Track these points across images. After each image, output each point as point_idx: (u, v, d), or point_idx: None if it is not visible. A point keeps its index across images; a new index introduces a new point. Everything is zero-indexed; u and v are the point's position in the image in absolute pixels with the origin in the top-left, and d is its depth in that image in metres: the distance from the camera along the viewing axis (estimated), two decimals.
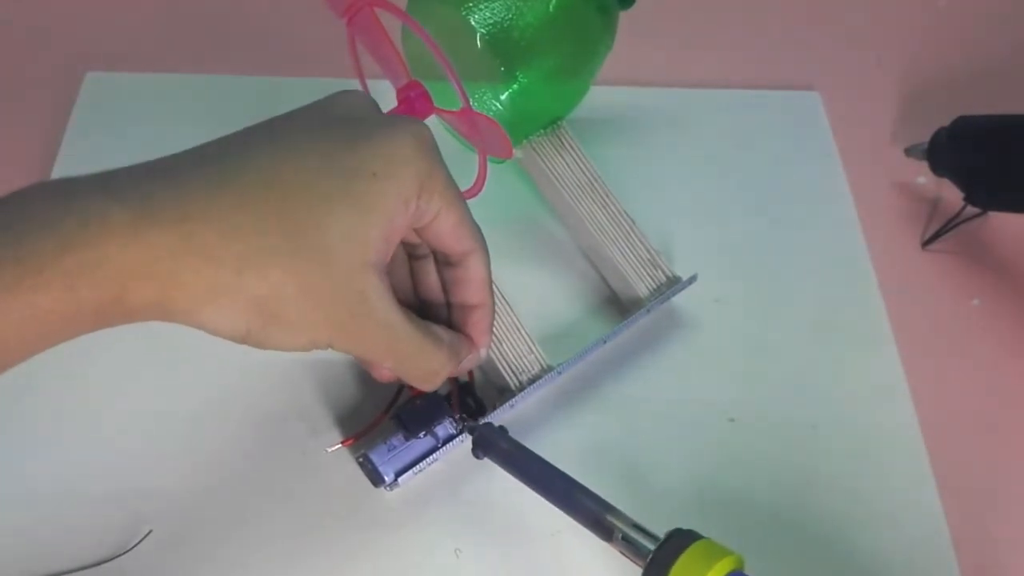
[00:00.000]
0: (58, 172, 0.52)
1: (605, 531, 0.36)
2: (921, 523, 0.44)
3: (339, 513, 0.42)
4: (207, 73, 0.57)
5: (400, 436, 0.42)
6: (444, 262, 0.38)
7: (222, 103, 0.56)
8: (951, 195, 0.54)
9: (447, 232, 0.36)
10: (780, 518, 0.43)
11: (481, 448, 0.40)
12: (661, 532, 0.35)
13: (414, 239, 0.38)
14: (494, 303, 0.39)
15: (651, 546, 0.35)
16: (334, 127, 0.33)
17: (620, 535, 0.36)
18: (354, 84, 0.50)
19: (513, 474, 0.39)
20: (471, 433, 0.41)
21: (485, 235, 0.37)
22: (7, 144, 0.54)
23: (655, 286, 0.48)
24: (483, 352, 0.39)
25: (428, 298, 0.40)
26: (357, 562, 0.41)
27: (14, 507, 0.42)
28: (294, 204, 0.31)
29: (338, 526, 0.42)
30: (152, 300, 0.29)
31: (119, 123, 0.55)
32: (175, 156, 0.32)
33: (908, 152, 0.55)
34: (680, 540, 0.34)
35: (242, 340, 0.31)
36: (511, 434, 0.40)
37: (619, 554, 0.36)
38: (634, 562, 0.35)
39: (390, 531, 0.42)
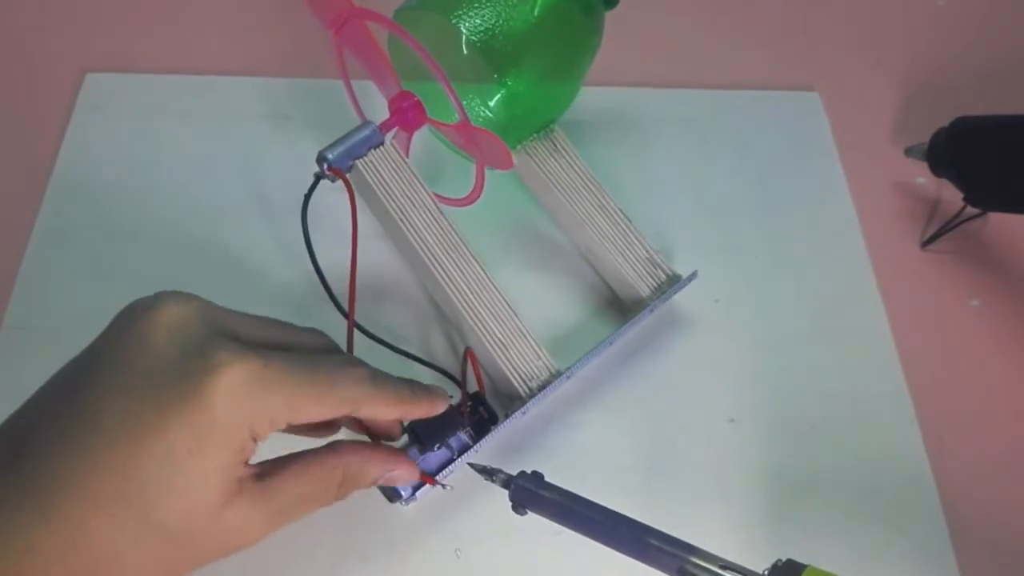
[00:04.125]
0: (58, 172, 0.52)
1: None
2: (921, 523, 0.44)
3: (338, 513, 0.42)
4: (207, 73, 0.57)
5: (415, 449, 0.41)
6: None
7: (222, 103, 0.56)
8: (951, 195, 0.54)
9: (323, 413, 0.33)
10: (780, 518, 0.43)
11: (522, 504, 0.37)
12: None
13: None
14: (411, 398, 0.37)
15: None
16: (136, 391, 0.30)
17: None
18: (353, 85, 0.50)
19: (563, 524, 0.36)
20: (505, 487, 0.38)
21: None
22: (7, 144, 0.54)
23: (656, 285, 0.48)
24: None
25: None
26: (357, 562, 0.41)
27: None
28: (120, 517, 0.29)
29: (337, 526, 0.42)
30: None
31: (119, 123, 0.55)
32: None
33: (908, 152, 0.55)
34: (788, 573, 0.31)
35: None
36: (513, 435, 0.40)
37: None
38: None
39: (390, 531, 0.42)
